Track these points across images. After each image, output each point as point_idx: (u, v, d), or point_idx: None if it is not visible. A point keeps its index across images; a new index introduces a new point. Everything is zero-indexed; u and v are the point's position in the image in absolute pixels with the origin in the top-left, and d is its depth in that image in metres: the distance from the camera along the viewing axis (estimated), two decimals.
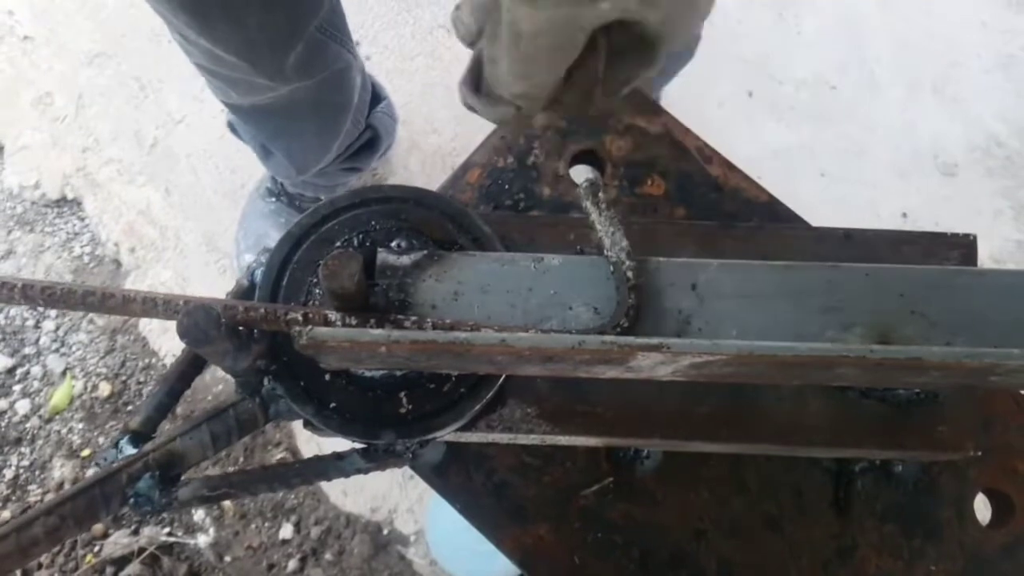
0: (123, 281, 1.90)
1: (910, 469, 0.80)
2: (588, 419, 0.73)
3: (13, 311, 1.88)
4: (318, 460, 0.70)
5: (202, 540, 1.74)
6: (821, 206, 1.79)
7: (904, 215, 1.90)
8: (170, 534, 1.73)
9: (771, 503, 0.79)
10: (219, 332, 0.55)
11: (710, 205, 0.86)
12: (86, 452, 1.81)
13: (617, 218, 0.67)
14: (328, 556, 1.72)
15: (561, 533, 0.78)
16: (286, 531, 1.73)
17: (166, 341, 1.86)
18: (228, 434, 0.65)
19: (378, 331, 0.57)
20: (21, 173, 1.97)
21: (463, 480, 0.79)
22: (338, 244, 0.70)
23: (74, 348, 1.86)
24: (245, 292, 0.68)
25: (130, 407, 1.83)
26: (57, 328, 1.88)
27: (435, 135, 1.95)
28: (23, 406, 1.82)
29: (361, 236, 0.70)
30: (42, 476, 1.79)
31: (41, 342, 1.86)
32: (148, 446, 0.62)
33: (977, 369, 0.56)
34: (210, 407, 0.65)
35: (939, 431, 0.73)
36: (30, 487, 1.78)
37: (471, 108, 0.63)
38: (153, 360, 1.86)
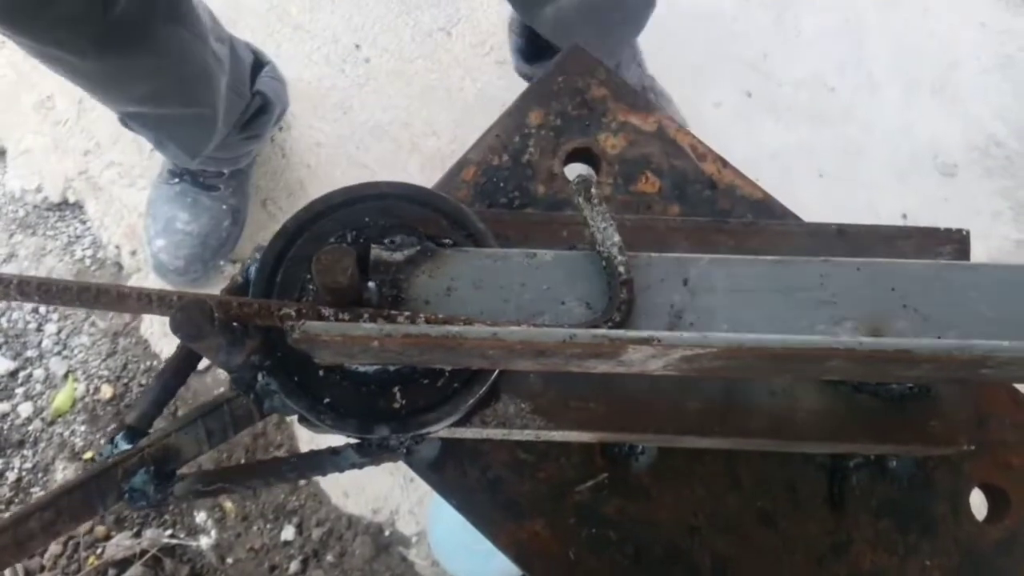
0: (124, 284, 1.91)
1: (905, 464, 0.80)
2: (582, 414, 0.73)
3: (15, 314, 1.89)
4: (313, 454, 0.70)
5: (204, 542, 1.74)
6: (820, 207, 1.79)
7: (904, 216, 1.90)
8: (172, 536, 1.74)
9: (765, 499, 0.79)
10: (212, 327, 0.56)
11: (704, 202, 0.86)
12: (88, 454, 1.81)
13: (609, 214, 0.68)
14: (330, 558, 1.72)
15: (556, 528, 0.79)
16: (288, 533, 1.74)
17: (168, 343, 1.87)
18: (223, 429, 0.65)
19: (371, 325, 0.58)
20: (23, 177, 1.98)
21: (458, 476, 0.80)
22: (332, 240, 0.70)
23: (76, 351, 1.87)
24: (239, 288, 0.69)
25: None
26: (59, 331, 1.88)
27: (434, 137, 1.95)
28: (25, 409, 1.83)
29: (355, 232, 0.71)
30: (45, 479, 1.80)
31: (43, 345, 1.87)
32: (143, 441, 0.63)
33: (967, 361, 0.56)
34: (205, 403, 0.66)
35: (932, 425, 0.73)
36: (33, 489, 1.78)
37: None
38: (155, 362, 1.87)
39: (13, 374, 1.85)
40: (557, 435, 0.75)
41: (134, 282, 1.91)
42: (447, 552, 1.64)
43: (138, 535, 1.73)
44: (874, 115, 1.97)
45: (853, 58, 2.01)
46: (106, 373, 1.85)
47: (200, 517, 1.76)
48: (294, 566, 1.71)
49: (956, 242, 0.78)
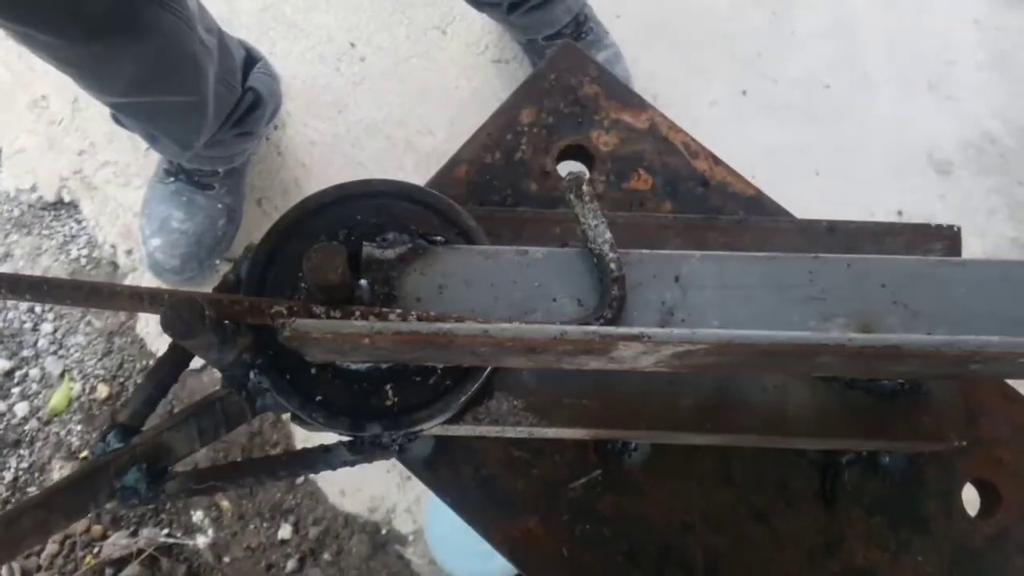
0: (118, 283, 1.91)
1: (897, 461, 0.80)
2: (575, 411, 0.73)
3: (11, 314, 1.89)
4: (305, 452, 0.70)
5: (201, 541, 1.74)
6: (816, 205, 1.78)
7: (899, 213, 1.91)
8: (169, 535, 1.74)
9: (758, 495, 0.80)
10: (203, 326, 0.56)
11: (697, 199, 0.86)
12: (84, 454, 1.81)
13: (601, 211, 0.68)
14: (326, 556, 1.72)
15: (550, 525, 0.79)
16: (284, 531, 1.74)
17: (163, 343, 1.85)
18: (215, 427, 0.65)
19: (362, 323, 0.58)
20: (18, 176, 1.98)
21: (452, 474, 0.80)
22: (324, 238, 0.70)
23: (72, 350, 1.87)
24: (232, 286, 0.69)
25: None
26: (55, 331, 1.88)
27: (429, 136, 1.95)
28: (22, 408, 1.83)
29: (347, 230, 0.71)
30: (41, 478, 1.80)
31: (39, 344, 1.87)
32: (135, 439, 0.63)
33: (957, 357, 0.57)
34: (197, 401, 0.66)
35: (924, 421, 0.73)
36: (29, 489, 1.78)
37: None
38: (150, 362, 1.86)
39: (9, 374, 1.85)
40: (550, 432, 0.76)
41: (130, 281, 1.90)
42: (444, 550, 1.65)
43: (135, 534, 1.73)
44: (869, 113, 1.97)
45: (848, 56, 2.01)
46: (102, 372, 1.85)
47: (197, 516, 1.76)
48: (291, 565, 1.71)
49: (947, 238, 0.78)
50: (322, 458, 0.70)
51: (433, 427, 0.70)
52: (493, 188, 0.86)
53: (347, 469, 0.73)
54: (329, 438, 0.71)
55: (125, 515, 1.76)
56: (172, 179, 1.82)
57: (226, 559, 1.73)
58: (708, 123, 1.92)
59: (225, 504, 1.76)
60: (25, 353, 1.86)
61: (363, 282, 0.66)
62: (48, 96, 2.01)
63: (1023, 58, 2.01)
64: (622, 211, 0.85)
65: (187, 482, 0.65)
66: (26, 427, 1.82)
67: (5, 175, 1.98)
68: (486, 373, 0.70)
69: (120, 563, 1.69)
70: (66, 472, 1.78)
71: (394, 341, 0.56)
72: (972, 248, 1.81)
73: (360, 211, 0.71)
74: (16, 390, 1.84)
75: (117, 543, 1.71)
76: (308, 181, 1.93)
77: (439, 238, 0.70)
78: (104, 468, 0.61)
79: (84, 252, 1.93)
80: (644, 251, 0.69)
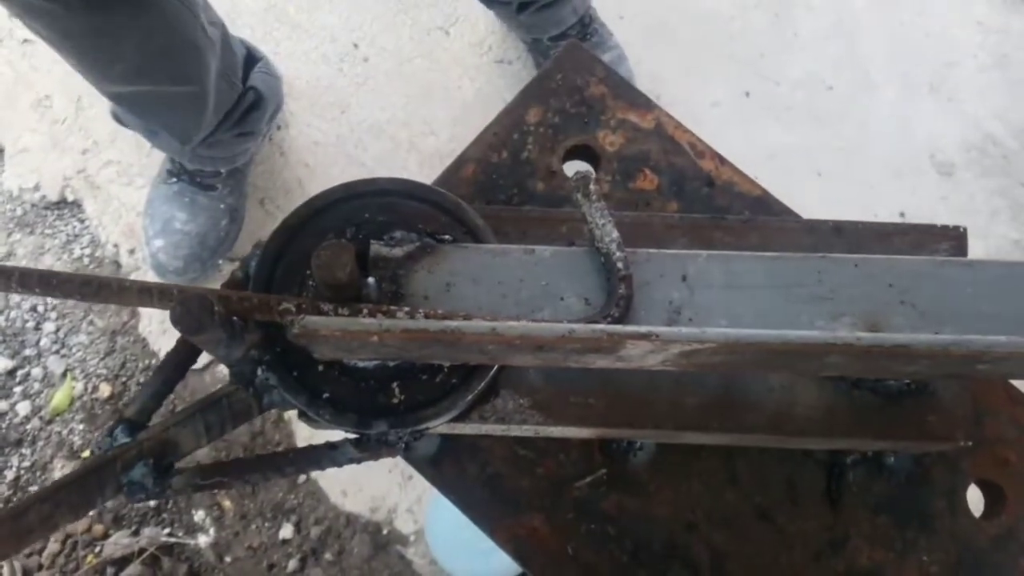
0: None
1: (902, 461, 0.80)
2: (581, 410, 0.73)
3: (14, 313, 1.89)
4: (311, 449, 0.70)
5: (202, 540, 1.74)
6: (818, 206, 1.78)
7: (901, 214, 1.91)
8: (170, 535, 1.74)
9: (763, 495, 0.80)
10: (213, 321, 0.56)
11: (702, 199, 0.86)
12: (87, 453, 1.81)
13: (608, 210, 0.68)
14: (328, 556, 1.72)
15: (555, 524, 0.79)
16: (286, 531, 1.74)
17: (166, 341, 1.87)
18: (222, 423, 0.65)
19: (370, 320, 0.58)
20: (21, 175, 1.98)
21: (457, 472, 0.80)
22: (332, 236, 0.70)
23: (74, 350, 1.87)
24: (240, 283, 0.69)
25: None
26: (57, 330, 1.88)
27: (433, 136, 1.95)
28: (24, 408, 1.83)
29: (355, 228, 0.71)
30: (43, 477, 1.80)
31: (41, 344, 1.87)
32: (142, 435, 0.63)
33: (964, 357, 0.57)
34: (204, 397, 0.66)
35: (929, 421, 0.73)
36: (31, 488, 1.78)
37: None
38: (153, 361, 1.86)
39: (11, 372, 1.85)
40: (556, 431, 0.76)
41: None
42: (445, 550, 1.65)
43: (136, 533, 1.73)
44: (872, 114, 1.97)
45: (850, 58, 2.02)
46: (104, 372, 1.85)
47: (198, 515, 1.76)
48: (292, 564, 1.71)
49: (953, 239, 0.78)
50: (328, 455, 0.70)
51: (439, 425, 0.70)
52: (499, 187, 0.86)
53: (349, 468, 0.74)
54: (334, 436, 0.71)
55: (127, 514, 1.76)
56: (175, 180, 1.82)
57: (228, 559, 1.73)
58: (710, 124, 1.92)
59: (227, 504, 1.76)
60: (27, 352, 1.86)
61: (371, 280, 0.66)
62: (52, 95, 2.01)
63: None
64: (628, 211, 0.85)
65: (193, 477, 0.65)
66: (28, 426, 1.82)
67: (8, 174, 1.98)
68: (492, 372, 0.70)
69: (121, 562, 1.69)
70: (68, 471, 1.79)
71: (402, 339, 0.56)
72: (975, 250, 1.79)
73: (368, 209, 0.72)
74: (18, 389, 1.84)
75: (119, 542, 1.70)
76: (311, 182, 1.93)
77: (447, 236, 0.70)
78: (111, 463, 0.61)
79: (87, 251, 1.93)
80: (651, 250, 0.69)
